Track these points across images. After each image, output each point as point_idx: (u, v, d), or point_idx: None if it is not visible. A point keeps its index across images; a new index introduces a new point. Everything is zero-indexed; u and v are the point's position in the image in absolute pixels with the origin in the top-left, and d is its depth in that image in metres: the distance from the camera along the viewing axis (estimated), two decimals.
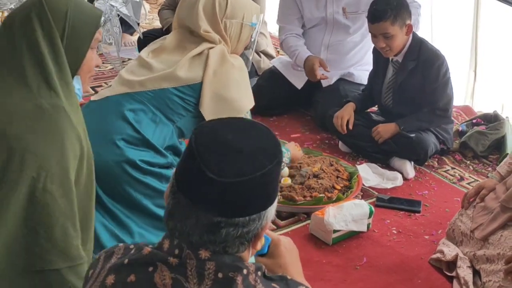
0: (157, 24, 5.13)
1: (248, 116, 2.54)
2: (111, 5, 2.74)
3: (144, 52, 2.61)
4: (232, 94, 2.48)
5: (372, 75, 3.50)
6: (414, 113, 3.29)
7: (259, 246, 1.27)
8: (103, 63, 4.54)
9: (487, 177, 2.86)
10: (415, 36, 3.25)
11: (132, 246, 1.28)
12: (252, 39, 2.70)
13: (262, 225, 1.22)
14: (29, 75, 1.65)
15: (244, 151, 1.19)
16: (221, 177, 1.16)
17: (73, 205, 1.66)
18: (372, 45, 3.37)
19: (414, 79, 3.24)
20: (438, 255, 2.57)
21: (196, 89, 2.47)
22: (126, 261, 1.24)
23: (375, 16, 3.15)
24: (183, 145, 2.57)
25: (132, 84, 2.46)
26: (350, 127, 3.37)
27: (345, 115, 3.38)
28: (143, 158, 2.37)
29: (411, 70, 3.24)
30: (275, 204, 1.24)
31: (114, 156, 2.33)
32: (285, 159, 2.78)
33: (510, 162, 2.60)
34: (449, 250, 2.56)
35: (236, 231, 1.19)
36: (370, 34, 3.27)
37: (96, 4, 2.83)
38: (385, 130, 3.31)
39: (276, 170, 1.22)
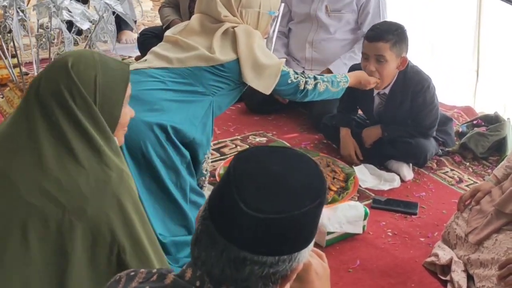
0: (159, 22, 5.11)
1: (286, 69, 2.70)
2: (106, 3, 2.71)
3: (171, 33, 2.73)
4: (265, 60, 2.62)
5: (346, 99, 3.26)
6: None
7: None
8: None
9: (485, 179, 2.83)
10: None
11: (154, 271, 1.21)
12: (271, 31, 2.87)
13: (292, 267, 1.12)
14: (78, 151, 1.61)
15: (285, 185, 1.09)
16: (256, 211, 1.06)
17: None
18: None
19: (404, 107, 3.19)
20: (432, 258, 2.54)
21: (230, 67, 2.58)
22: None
23: (375, 35, 3.05)
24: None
25: (171, 60, 2.57)
26: (361, 157, 3.32)
27: (350, 151, 3.32)
28: (174, 124, 2.45)
29: (400, 101, 3.18)
30: (310, 246, 1.15)
31: (147, 118, 2.40)
32: (342, 83, 2.91)
33: (507, 165, 2.56)
34: (444, 253, 2.53)
35: (261, 271, 1.09)
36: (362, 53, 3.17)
37: (91, 1, 2.80)
38: (369, 135, 3.31)
39: (317, 211, 1.11)
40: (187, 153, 2.53)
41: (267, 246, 1.09)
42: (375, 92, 3.22)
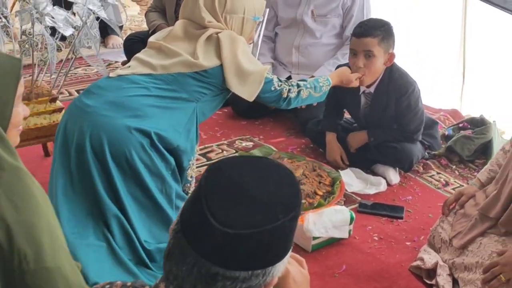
0: (146, 26, 5.09)
1: (270, 76, 2.67)
2: (89, 9, 2.71)
3: (155, 39, 2.70)
4: (249, 66, 2.60)
5: (333, 92, 3.20)
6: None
7: None
8: (89, 65, 4.52)
9: (469, 183, 2.83)
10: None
11: (129, 284, 1.20)
12: (256, 36, 2.89)
13: (266, 281, 1.09)
14: None
15: (258, 198, 1.06)
16: (225, 226, 1.03)
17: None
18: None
19: (389, 109, 3.18)
20: (418, 262, 2.54)
21: (214, 73, 2.56)
22: None
23: (363, 31, 3.05)
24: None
25: (154, 66, 2.55)
26: (347, 162, 3.32)
27: (336, 156, 3.32)
28: (158, 131, 2.42)
29: (386, 102, 3.17)
30: (285, 259, 1.13)
31: (130, 124, 2.39)
32: (324, 86, 2.87)
33: (490, 168, 2.56)
34: (429, 257, 2.53)
35: (234, 286, 1.06)
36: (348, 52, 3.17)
37: (75, 7, 2.80)
38: (355, 140, 3.30)
39: (291, 225, 1.09)
40: (172, 160, 2.51)
41: (239, 261, 1.06)
42: (361, 90, 3.21)
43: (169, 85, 2.53)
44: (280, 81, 2.74)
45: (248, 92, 2.63)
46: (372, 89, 3.19)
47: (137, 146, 2.39)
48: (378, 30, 3.04)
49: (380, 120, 3.24)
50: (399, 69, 3.20)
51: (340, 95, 3.24)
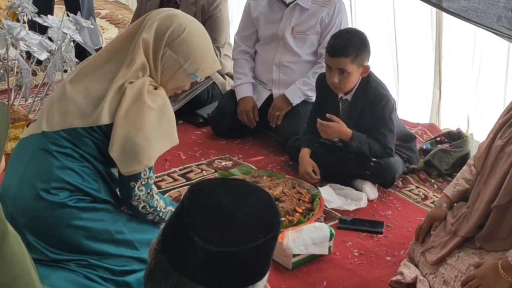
0: None
1: (147, 173, 2.28)
2: (64, 32, 2.72)
3: (69, 76, 2.38)
4: (143, 140, 2.23)
5: (316, 109, 3.38)
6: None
7: None
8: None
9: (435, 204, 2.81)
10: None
11: None
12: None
13: None
14: None
15: (239, 218, 1.11)
16: (208, 244, 1.06)
17: None
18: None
19: (364, 118, 3.20)
20: (398, 277, 2.55)
21: (108, 130, 2.26)
22: None
23: (336, 50, 3.05)
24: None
25: (49, 123, 2.26)
26: (318, 176, 3.29)
27: (308, 169, 3.29)
28: (72, 197, 2.23)
29: (361, 110, 3.20)
30: (265, 278, 1.15)
31: (44, 203, 2.20)
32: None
33: (456, 183, 2.58)
34: (409, 271, 2.54)
35: None
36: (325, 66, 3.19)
37: (50, 31, 2.81)
38: (335, 132, 3.19)
39: (271, 244, 1.13)
40: (108, 206, 2.30)
41: (220, 279, 1.09)
42: (339, 96, 3.22)
43: (64, 142, 2.25)
44: (149, 187, 2.31)
45: (124, 165, 2.26)
46: (349, 97, 3.21)
47: (66, 225, 2.21)
48: (351, 48, 3.03)
49: (356, 129, 3.23)
50: (376, 79, 3.22)
51: (321, 100, 3.26)
